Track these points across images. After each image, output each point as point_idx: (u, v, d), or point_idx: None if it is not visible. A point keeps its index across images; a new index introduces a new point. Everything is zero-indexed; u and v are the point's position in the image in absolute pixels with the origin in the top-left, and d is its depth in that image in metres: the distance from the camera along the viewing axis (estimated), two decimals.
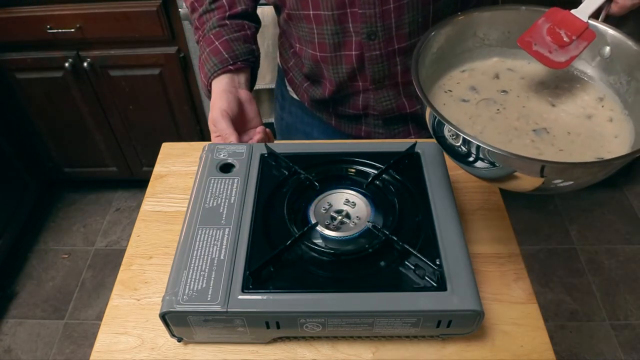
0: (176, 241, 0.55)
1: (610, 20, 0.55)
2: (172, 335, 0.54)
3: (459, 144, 0.47)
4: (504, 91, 0.57)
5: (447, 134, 0.47)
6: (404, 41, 0.73)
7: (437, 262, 0.51)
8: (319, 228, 0.54)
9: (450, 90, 0.57)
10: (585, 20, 0.54)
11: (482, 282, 0.58)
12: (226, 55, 0.73)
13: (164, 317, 0.50)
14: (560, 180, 0.46)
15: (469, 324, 0.51)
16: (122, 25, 1.44)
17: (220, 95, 0.71)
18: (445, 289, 0.49)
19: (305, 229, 0.54)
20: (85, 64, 1.52)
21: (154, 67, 1.55)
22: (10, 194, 1.76)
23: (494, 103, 0.56)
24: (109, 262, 1.81)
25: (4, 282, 1.75)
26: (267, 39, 1.39)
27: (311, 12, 0.73)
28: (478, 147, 0.44)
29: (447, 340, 0.54)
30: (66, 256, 1.84)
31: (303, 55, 0.81)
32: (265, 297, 0.49)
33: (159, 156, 0.76)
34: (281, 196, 0.59)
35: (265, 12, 1.28)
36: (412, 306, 0.48)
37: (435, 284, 0.50)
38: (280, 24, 0.85)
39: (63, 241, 1.89)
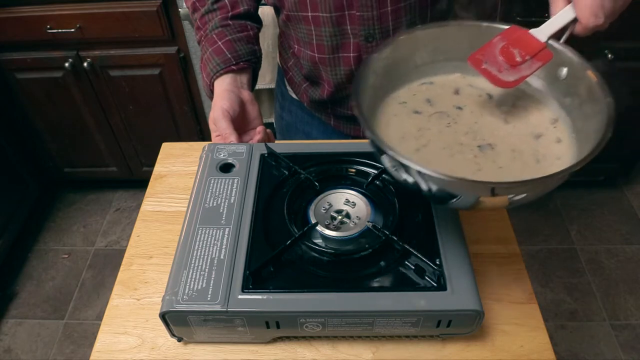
0: (176, 241, 0.55)
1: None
2: (172, 335, 0.54)
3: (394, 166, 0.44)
4: (459, 107, 0.55)
5: (386, 162, 0.45)
6: None
7: (437, 262, 0.51)
8: (319, 228, 0.54)
9: (405, 102, 0.56)
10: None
11: (482, 282, 0.58)
12: (229, 56, 0.73)
13: (164, 317, 0.50)
14: (512, 195, 0.44)
15: (469, 324, 0.51)
16: (122, 25, 1.44)
17: (222, 95, 0.71)
18: (445, 289, 0.49)
19: (305, 228, 0.54)
20: (85, 64, 1.52)
21: (154, 67, 1.55)
22: (10, 194, 1.76)
23: (447, 117, 0.54)
24: (109, 262, 1.81)
25: (4, 282, 1.75)
26: (267, 39, 1.39)
27: (309, 14, 0.73)
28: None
29: (447, 340, 0.54)
30: (66, 256, 1.84)
31: (301, 56, 0.81)
32: (265, 297, 0.49)
33: (159, 156, 0.76)
34: (281, 196, 0.59)
35: (265, 12, 1.29)
36: (412, 306, 0.48)
37: (435, 284, 0.50)
38: (280, 25, 0.85)
39: (63, 241, 1.89)
